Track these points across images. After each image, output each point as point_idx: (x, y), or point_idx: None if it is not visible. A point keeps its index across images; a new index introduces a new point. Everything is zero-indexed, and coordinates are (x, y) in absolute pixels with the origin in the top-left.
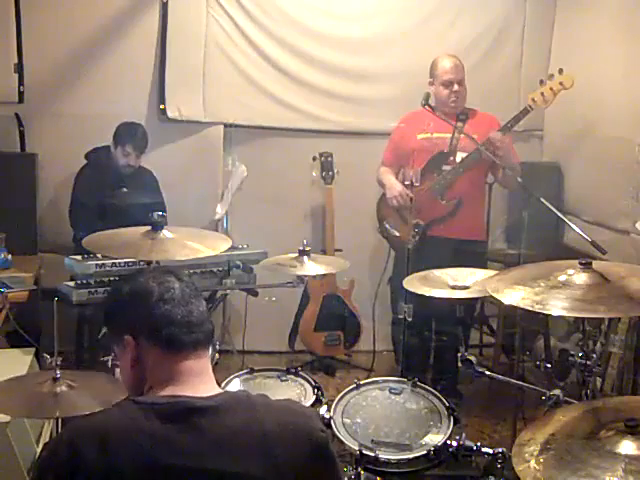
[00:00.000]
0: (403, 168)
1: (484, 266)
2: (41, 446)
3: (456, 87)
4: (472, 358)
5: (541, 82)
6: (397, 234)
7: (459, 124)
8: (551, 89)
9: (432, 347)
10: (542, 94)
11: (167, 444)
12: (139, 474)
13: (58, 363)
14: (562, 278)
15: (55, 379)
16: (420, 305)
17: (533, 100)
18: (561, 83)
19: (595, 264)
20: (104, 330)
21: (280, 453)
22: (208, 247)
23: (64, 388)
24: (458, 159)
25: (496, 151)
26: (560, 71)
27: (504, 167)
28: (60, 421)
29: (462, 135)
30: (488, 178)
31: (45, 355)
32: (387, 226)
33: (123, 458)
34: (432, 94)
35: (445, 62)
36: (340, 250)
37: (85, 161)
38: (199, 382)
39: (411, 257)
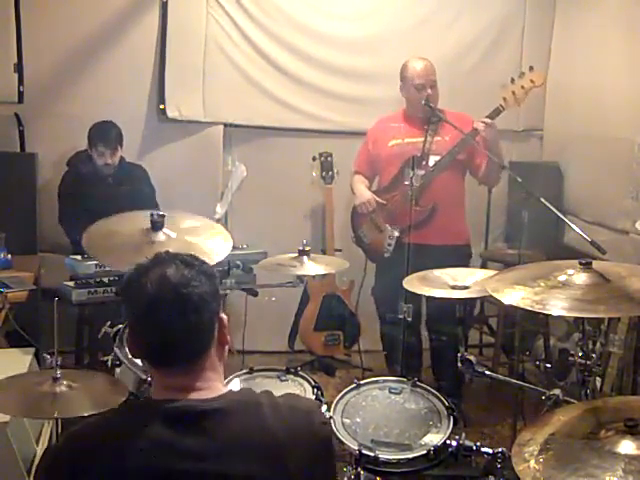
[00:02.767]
0: (377, 176)
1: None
2: (41, 446)
3: (429, 91)
4: (472, 358)
5: (512, 80)
6: (370, 242)
7: (432, 126)
8: (522, 87)
9: (423, 348)
10: (513, 92)
11: (172, 449)
12: None
13: (58, 363)
14: (562, 278)
15: (55, 379)
16: (414, 305)
17: (504, 99)
18: (532, 80)
19: (595, 264)
20: (104, 330)
21: (288, 454)
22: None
23: (64, 388)
24: (431, 163)
25: (483, 138)
26: (530, 68)
27: (490, 158)
28: (60, 422)
29: (435, 138)
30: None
31: (45, 355)
32: (361, 235)
33: (125, 466)
34: (404, 98)
35: (416, 65)
36: (340, 250)
37: (67, 168)
38: (198, 387)
39: (391, 267)
